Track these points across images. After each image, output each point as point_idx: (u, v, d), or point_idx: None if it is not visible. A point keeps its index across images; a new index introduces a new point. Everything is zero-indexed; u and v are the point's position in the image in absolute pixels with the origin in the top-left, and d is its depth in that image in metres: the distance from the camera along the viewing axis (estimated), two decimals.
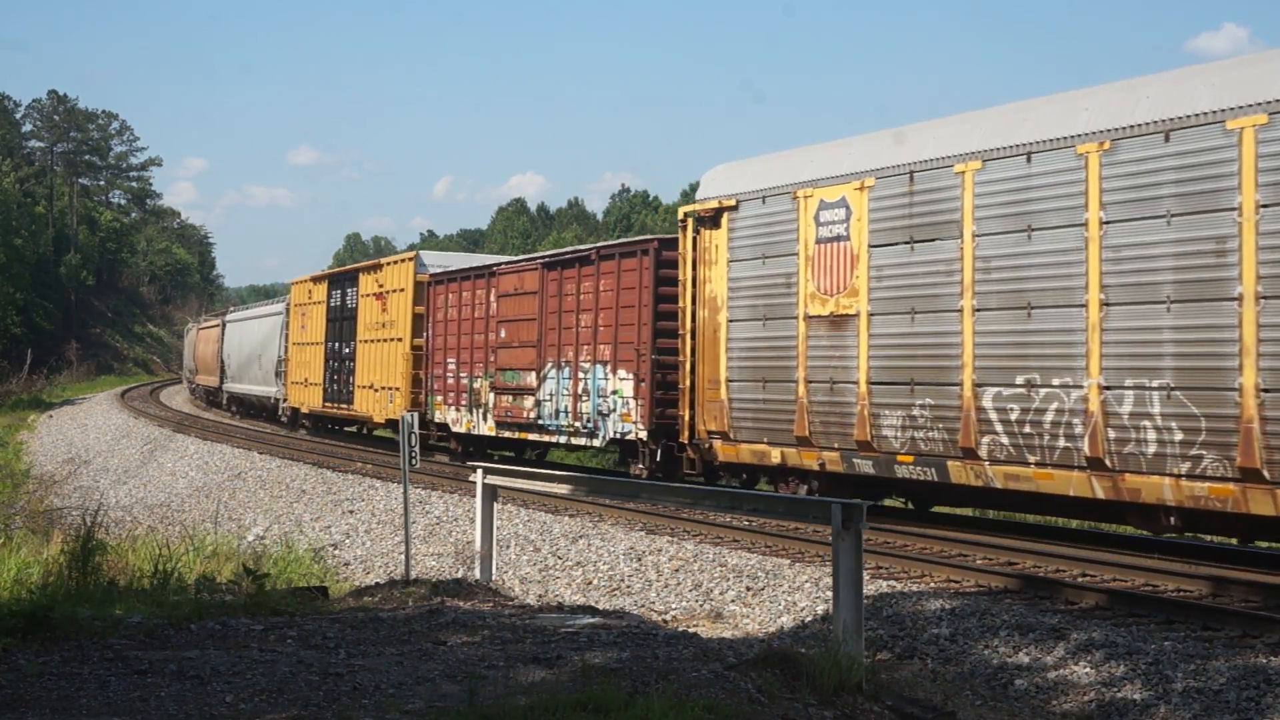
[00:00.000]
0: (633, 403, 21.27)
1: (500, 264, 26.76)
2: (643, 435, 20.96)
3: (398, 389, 29.51)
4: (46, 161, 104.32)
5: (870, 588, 12.25)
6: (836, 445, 16.94)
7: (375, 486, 23.61)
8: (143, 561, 12.58)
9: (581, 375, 22.76)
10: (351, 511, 21.95)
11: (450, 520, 19.56)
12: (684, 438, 19.73)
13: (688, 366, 19.63)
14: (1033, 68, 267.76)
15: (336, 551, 19.44)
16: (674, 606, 13.62)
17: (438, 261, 30.16)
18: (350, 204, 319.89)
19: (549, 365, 23.82)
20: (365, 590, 12.09)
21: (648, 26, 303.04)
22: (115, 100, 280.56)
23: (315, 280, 37.32)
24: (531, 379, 24.33)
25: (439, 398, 27.88)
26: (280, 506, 23.42)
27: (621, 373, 21.62)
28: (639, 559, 15.42)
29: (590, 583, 15.10)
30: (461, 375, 26.93)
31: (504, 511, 18.14)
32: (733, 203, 18.73)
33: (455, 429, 27.28)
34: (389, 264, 31.61)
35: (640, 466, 20.89)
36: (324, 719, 6.62)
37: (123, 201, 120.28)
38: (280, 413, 40.72)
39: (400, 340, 29.74)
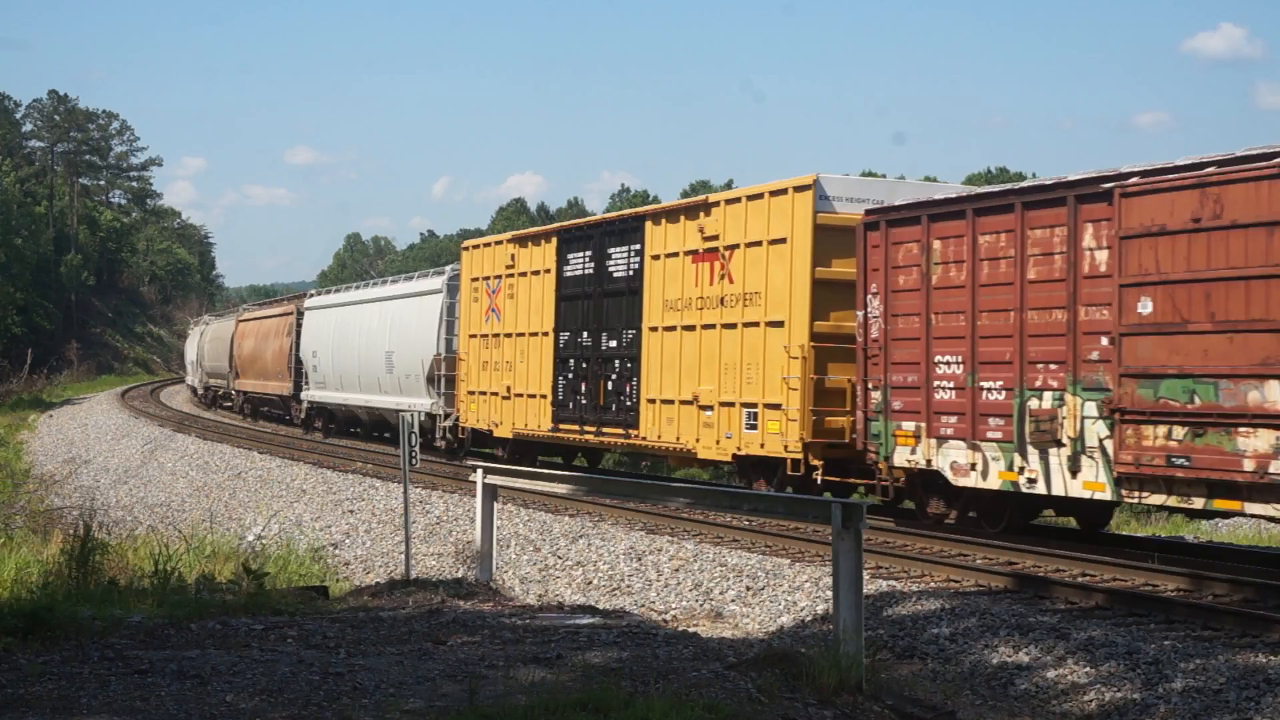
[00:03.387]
0: None
1: (1124, 176, 13.68)
2: None
3: (772, 405, 18.11)
4: (47, 161, 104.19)
5: (870, 587, 12.25)
6: None
7: (375, 486, 23.62)
8: (143, 561, 12.60)
9: None
10: (352, 511, 21.95)
11: (450, 520, 19.57)
12: None
13: None
14: (1031, 67, 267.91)
15: (336, 551, 19.45)
16: (674, 606, 13.63)
17: (859, 193, 18.24)
18: (350, 204, 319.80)
19: None
20: (365, 590, 12.10)
21: (647, 26, 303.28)
22: (113, 99, 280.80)
23: (522, 241, 24.98)
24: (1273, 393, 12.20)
25: (907, 425, 16.14)
26: (280, 506, 23.41)
27: None
28: (639, 559, 15.42)
29: (590, 582, 15.11)
30: (987, 385, 15.08)
31: (504, 511, 18.15)
32: None
33: (962, 480, 15.50)
34: (730, 201, 19.50)
35: None
36: (324, 718, 6.62)
37: (123, 201, 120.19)
38: (439, 436, 28.06)
39: (779, 325, 18.14)
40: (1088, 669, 10.09)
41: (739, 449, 18.60)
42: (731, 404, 18.81)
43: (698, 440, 19.53)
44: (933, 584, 13.24)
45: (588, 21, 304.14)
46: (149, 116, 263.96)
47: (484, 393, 25.81)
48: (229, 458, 31.04)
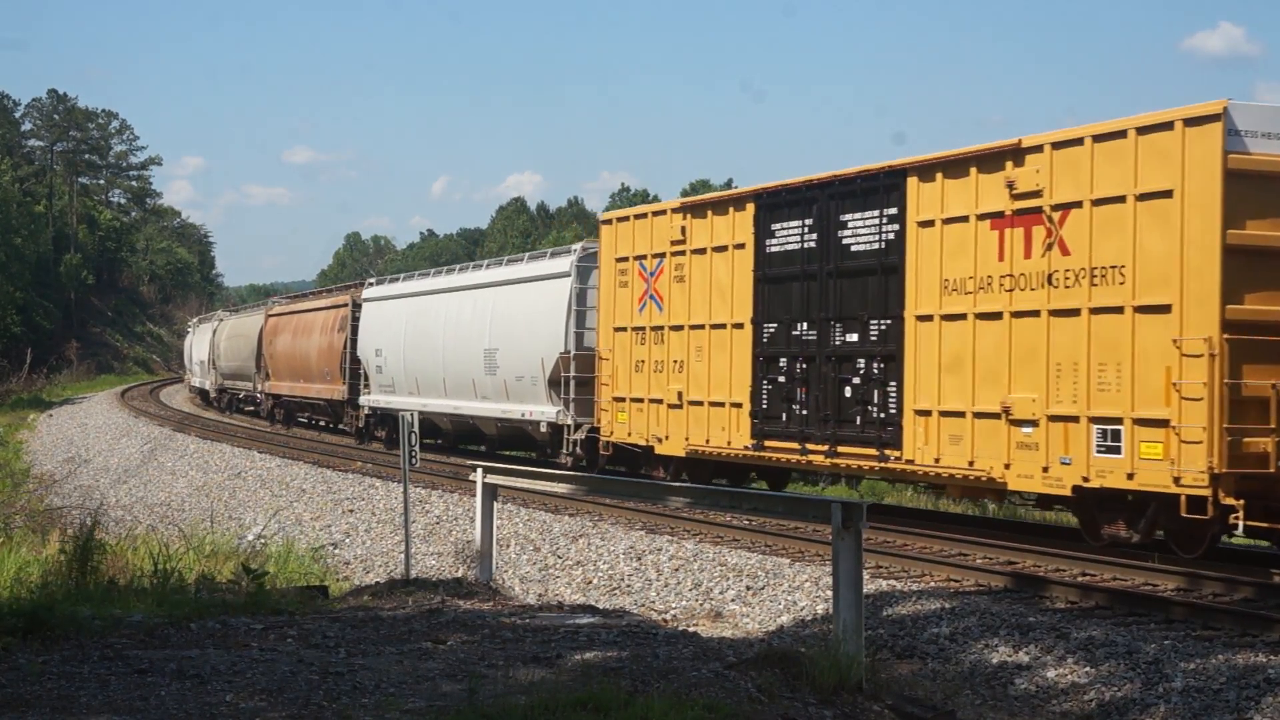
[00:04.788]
0: None
1: None
2: None
3: (1148, 421, 13.40)
4: (46, 160, 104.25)
5: (870, 587, 12.25)
6: None
7: (375, 486, 23.61)
8: (142, 561, 12.59)
9: None
10: (351, 511, 21.95)
11: (450, 520, 19.57)
12: None
13: None
14: (1030, 66, 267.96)
15: (336, 551, 19.45)
16: (674, 606, 13.63)
17: None
18: (349, 203, 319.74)
19: None
20: (365, 589, 12.10)
21: (647, 26, 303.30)
22: (113, 98, 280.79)
23: (697, 210, 19.77)
24: None
25: None
26: (280, 506, 23.41)
27: None
28: (639, 558, 15.42)
29: (590, 582, 15.10)
30: None
31: (504, 511, 18.14)
32: None
33: None
34: (1062, 144, 14.35)
35: None
36: (324, 718, 6.62)
37: (122, 201, 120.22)
38: (565, 451, 22.91)
39: (1161, 311, 13.41)
40: (1088, 668, 10.09)
41: (1084, 479, 13.87)
42: (1071, 418, 14.02)
43: (1007, 466, 14.57)
44: (933, 583, 13.25)
45: (587, 21, 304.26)
46: (148, 116, 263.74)
47: (639, 399, 20.74)
48: (229, 457, 31.04)
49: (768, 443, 18.06)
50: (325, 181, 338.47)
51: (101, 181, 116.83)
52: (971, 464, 15.02)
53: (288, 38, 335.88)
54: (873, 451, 16.42)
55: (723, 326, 18.97)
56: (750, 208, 18.56)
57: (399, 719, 6.64)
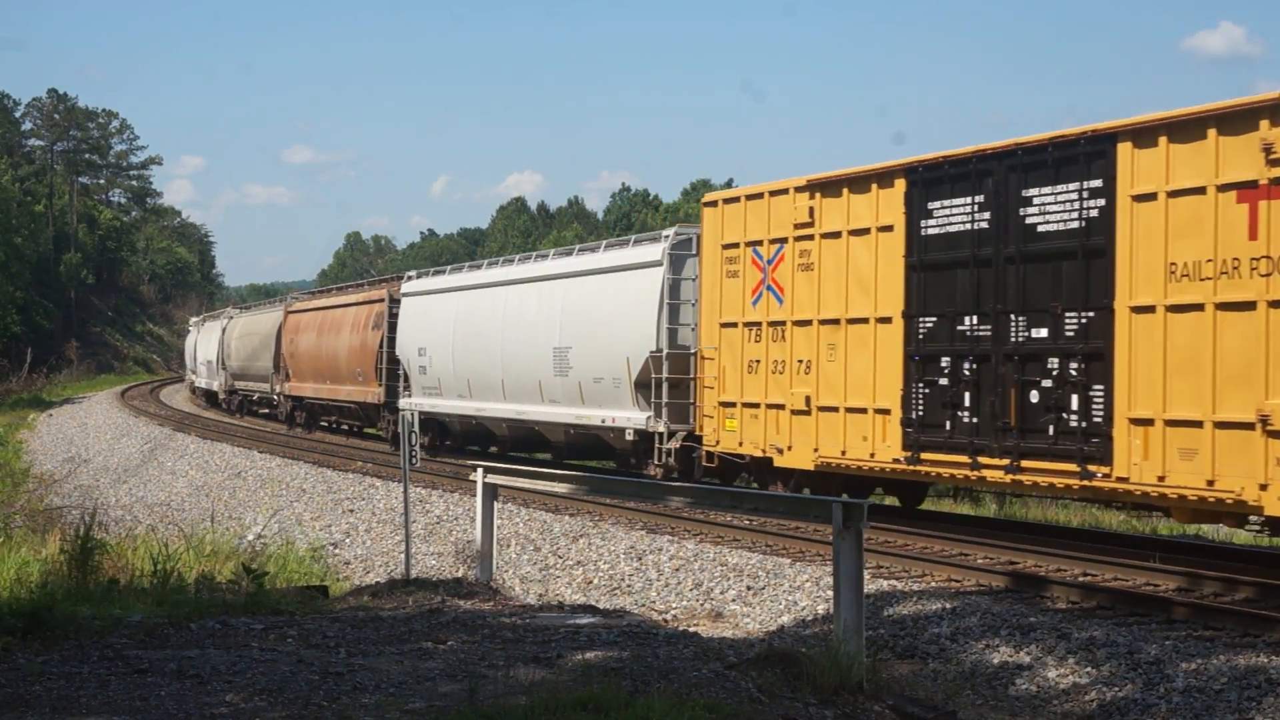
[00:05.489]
0: None
1: None
2: None
3: None
4: (46, 160, 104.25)
5: (871, 587, 12.24)
6: None
7: (375, 486, 23.61)
8: (142, 560, 12.58)
9: None
10: (351, 511, 21.95)
11: (450, 519, 19.56)
12: None
13: None
14: (1030, 66, 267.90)
15: (336, 551, 19.45)
16: (674, 606, 13.62)
17: None
18: (349, 203, 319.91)
19: None
20: (365, 589, 12.09)
21: (647, 26, 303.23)
22: (112, 98, 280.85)
23: (829, 187, 17.19)
24: None
25: None
26: (280, 505, 23.41)
27: None
28: (639, 558, 15.42)
29: (591, 582, 15.10)
30: None
31: (504, 511, 18.14)
32: None
33: None
34: None
35: None
36: (324, 718, 6.61)
37: (122, 200, 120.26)
38: (656, 461, 20.45)
39: None
40: (1089, 668, 10.08)
41: None
42: None
43: (1264, 487, 12.07)
44: (933, 583, 13.24)
45: (587, 20, 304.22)
46: (148, 115, 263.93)
47: (753, 405, 18.22)
48: (229, 457, 31.03)
49: (925, 455, 15.49)
50: (325, 181, 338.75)
51: (101, 181, 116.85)
52: (1211, 483, 12.48)
53: (288, 38, 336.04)
54: (1070, 467, 13.76)
55: (863, 321, 16.45)
56: (900, 184, 15.98)
57: (399, 719, 6.63)
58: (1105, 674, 9.94)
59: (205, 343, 54.75)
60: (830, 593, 10.46)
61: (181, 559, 13.36)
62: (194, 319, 69.30)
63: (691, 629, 11.00)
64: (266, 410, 44.12)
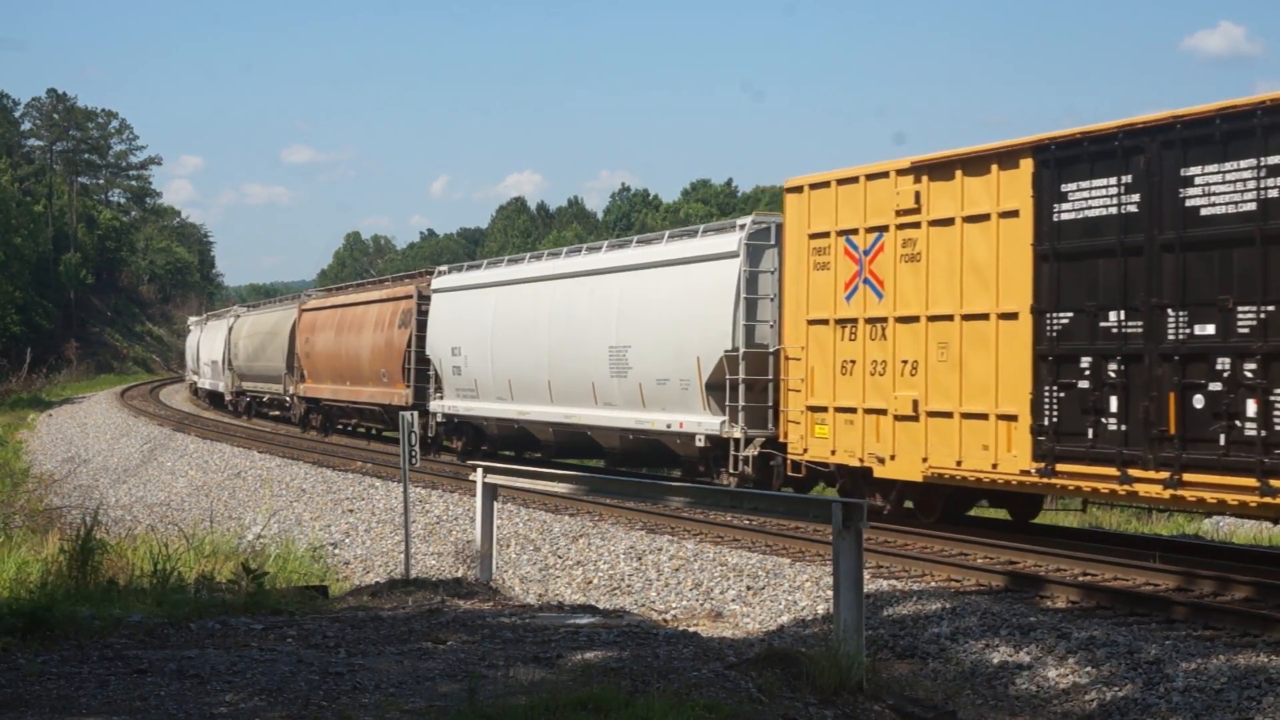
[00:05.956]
0: None
1: None
2: None
3: None
4: (46, 160, 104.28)
5: (871, 587, 12.24)
6: None
7: (375, 485, 23.61)
8: (142, 560, 12.58)
9: None
10: (351, 511, 21.95)
11: (450, 519, 19.56)
12: None
13: None
14: (1030, 66, 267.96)
15: (336, 551, 19.45)
16: (674, 606, 13.62)
17: None
18: (348, 203, 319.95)
19: None
20: (365, 589, 12.09)
21: (646, 25, 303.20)
22: (112, 98, 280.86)
23: (939, 169, 15.71)
24: None
25: None
26: (280, 505, 23.41)
27: None
28: (639, 558, 15.42)
29: (590, 582, 15.10)
30: None
31: (504, 511, 18.14)
32: None
33: None
34: None
35: None
36: (324, 718, 6.61)
37: (122, 200, 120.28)
38: (732, 468, 18.72)
39: None
40: (1088, 668, 10.08)
41: None
42: None
43: None
44: (933, 583, 13.24)
45: (587, 20, 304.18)
46: (147, 115, 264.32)
47: (847, 410, 16.67)
48: (228, 457, 31.04)
49: (1061, 467, 13.87)
50: (325, 181, 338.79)
51: (101, 181, 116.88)
52: None
53: (287, 38, 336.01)
54: (1247, 482, 12.16)
55: (982, 317, 14.87)
56: (1026, 164, 14.43)
57: (399, 719, 6.63)
58: (1105, 674, 9.94)
59: (210, 342, 53.34)
60: (830, 593, 10.47)
61: (181, 559, 13.36)
62: (193, 318, 69.03)
63: (691, 629, 11.00)
64: (277, 412, 42.95)
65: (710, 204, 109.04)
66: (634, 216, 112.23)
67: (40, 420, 50.97)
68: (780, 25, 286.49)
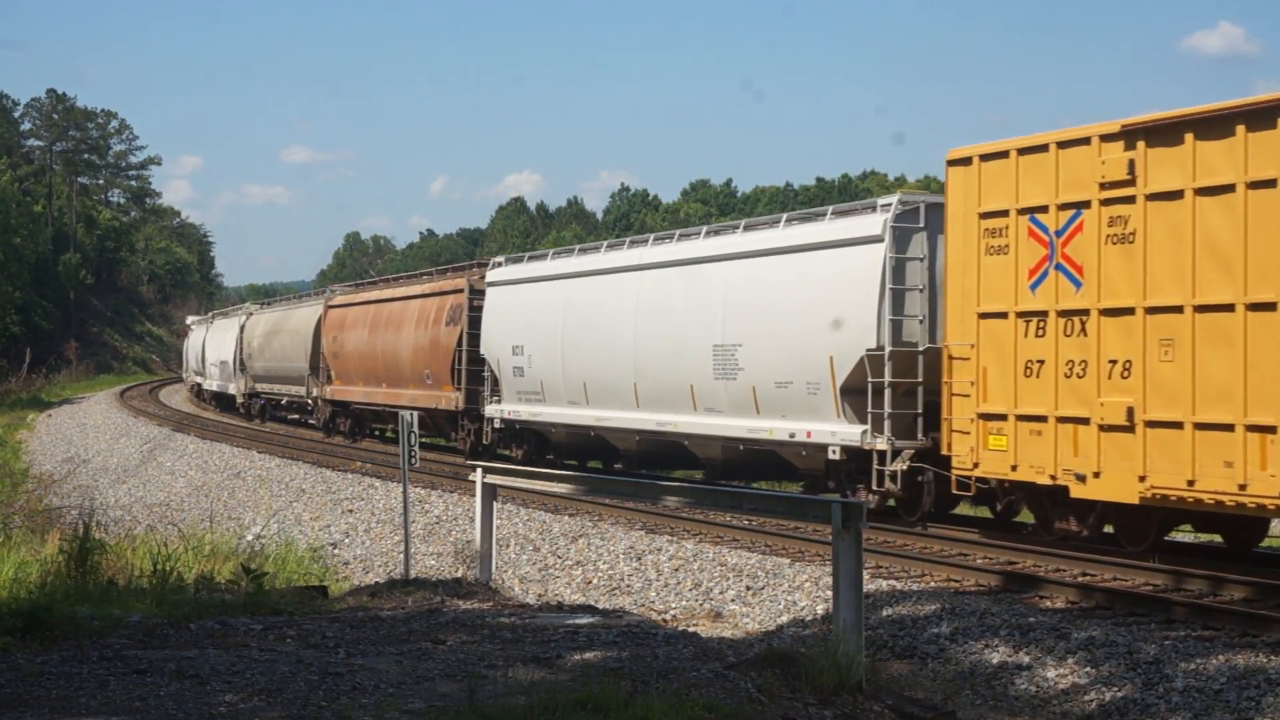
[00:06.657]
0: None
1: None
2: None
3: None
4: (45, 160, 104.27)
5: (870, 587, 12.25)
6: None
7: (375, 486, 23.60)
8: (141, 561, 12.57)
9: None
10: (351, 511, 21.95)
11: (450, 520, 19.56)
12: None
13: None
14: (1030, 66, 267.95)
15: (336, 551, 19.44)
16: (674, 606, 13.62)
17: None
18: (348, 203, 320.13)
19: None
20: (365, 589, 12.09)
21: (646, 25, 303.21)
22: (111, 98, 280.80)
23: (1160, 134, 13.10)
24: None
25: None
26: (280, 506, 23.41)
27: None
28: (639, 558, 15.42)
29: (590, 582, 15.10)
30: None
31: (504, 511, 18.13)
32: None
33: None
34: None
35: None
36: (324, 718, 6.61)
37: (121, 200, 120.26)
38: (874, 482, 16.37)
39: None
40: (1088, 669, 10.08)
41: None
42: None
43: None
44: (933, 584, 13.24)
45: (587, 20, 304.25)
46: (147, 115, 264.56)
47: (1033, 418, 14.20)
48: (228, 457, 31.03)
49: None
50: (324, 181, 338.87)
51: (101, 181, 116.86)
52: None
53: (287, 37, 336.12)
54: None
55: (1225, 309, 12.37)
56: None
57: (398, 719, 6.63)
58: (1104, 674, 9.94)
59: (216, 342, 50.49)
60: (829, 593, 10.46)
61: (181, 559, 13.35)
62: (193, 317, 68.74)
63: (691, 629, 11.00)
64: (297, 416, 40.59)
65: (709, 204, 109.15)
66: (633, 216, 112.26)
67: (40, 420, 50.94)
68: (780, 25, 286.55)
